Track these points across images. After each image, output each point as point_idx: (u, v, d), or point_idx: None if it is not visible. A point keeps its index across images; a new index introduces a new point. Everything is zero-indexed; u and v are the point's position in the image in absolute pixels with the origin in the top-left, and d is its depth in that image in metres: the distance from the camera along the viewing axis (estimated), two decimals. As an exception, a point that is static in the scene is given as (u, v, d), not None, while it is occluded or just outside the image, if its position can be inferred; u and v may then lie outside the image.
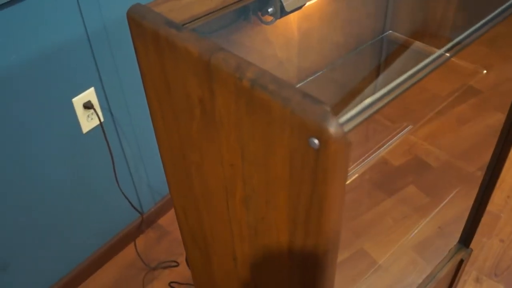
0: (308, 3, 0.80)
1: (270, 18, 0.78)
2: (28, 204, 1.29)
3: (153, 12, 0.63)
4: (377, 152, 0.84)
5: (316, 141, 0.47)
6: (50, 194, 1.33)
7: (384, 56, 1.08)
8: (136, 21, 0.64)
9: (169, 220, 1.64)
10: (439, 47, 0.58)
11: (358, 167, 0.85)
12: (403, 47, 1.07)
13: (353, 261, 1.42)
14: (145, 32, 0.63)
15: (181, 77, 0.62)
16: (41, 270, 1.42)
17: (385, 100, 0.53)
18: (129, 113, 1.43)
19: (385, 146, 0.84)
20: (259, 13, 0.76)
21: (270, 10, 0.76)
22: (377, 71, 1.10)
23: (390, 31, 1.09)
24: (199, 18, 0.67)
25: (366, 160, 0.84)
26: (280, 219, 0.60)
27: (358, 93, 1.05)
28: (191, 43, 0.57)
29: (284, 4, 0.74)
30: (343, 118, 0.50)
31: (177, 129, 0.71)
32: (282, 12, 0.76)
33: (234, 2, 0.70)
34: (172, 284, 1.48)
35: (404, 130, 0.90)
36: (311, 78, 0.96)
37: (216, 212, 0.75)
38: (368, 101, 0.52)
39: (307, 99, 0.48)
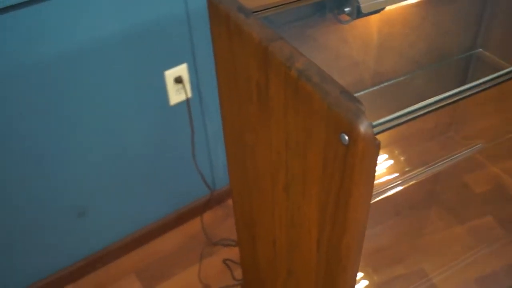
0: (388, 8, 0.80)
1: (346, 18, 0.79)
2: (111, 161, 1.40)
3: (231, -3, 0.67)
4: (439, 164, 0.83)
5: (346, 137, 0.49)
6: (132, 155, 1.44)
7: (470, 74, 1.04)
8: (214, 3, 0.68)
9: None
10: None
11: (418, 174, 0.84)
12: (492, 68, 1.02)
13: (409, 278, 1.39)
14: (219, 14, 0.68)
15: (244, 60, 0.66)
16: (113, 222, 1.53)
17: (424, 111, 0.53)
18: (215, 93, 1.50)
19: (448, 160, 0.83)
20: (336, 11, 0.77)
21: (346, 9, 0.77)
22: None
23: (480, 50, 1.05)
24: (274, 7, 0.70)
25: (426, 169, 0.83)
26: (312, 211, 0.62)
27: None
28: (255, 30, 0.61)
29: (361, 5, 0.75)
30: (378, 121, 0.51)
31: (238, 110, 0.75)
32: (359, 13, 0.76)
33: None
34: (227, 261, 1.54)
35: (472, 148, 0.87)
36: (386, 84, 0.95)
37: (263, 196, 0.78)
38: (408, 109, 0.52)
39: (344, 95, 0.49)
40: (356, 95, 0.94)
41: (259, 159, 0.73)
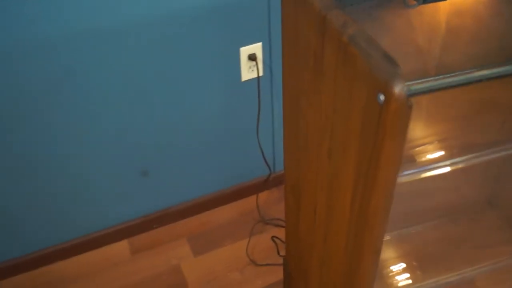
0: None
1: (413, 2, 0.84)
2: (177, 128, 1.52)
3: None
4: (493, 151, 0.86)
5: (382, 97, 0.55)
6: (198, 126, 1.54)
7: None
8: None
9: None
10: None
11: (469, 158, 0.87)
12: None
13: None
14: (288, -17, 0.75)
15: (305, 28, 0.73)
16: (173, 187, 1.66)
17: (461, 81, 0.57)
18: (285, 75, 1.58)
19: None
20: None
21: (414, -6, 0.82)
22: None
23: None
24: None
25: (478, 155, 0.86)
26: (349, 174, 0.69)
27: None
28: (316, 0, 0.68)
29: (428, -9, 0.80)
30: (415, 85, 0.56)
31: (297, 77, 0.82)
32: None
33: None
34: (274, 238, 1.62)
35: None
36: (451, 75, 0.98)
37: (309, 162, 0.85)
38: (447, 77, 0.57)
39: (385, 59, 0.55)
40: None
41: (310, 124, 0.80)
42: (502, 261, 1.07)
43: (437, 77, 0.57)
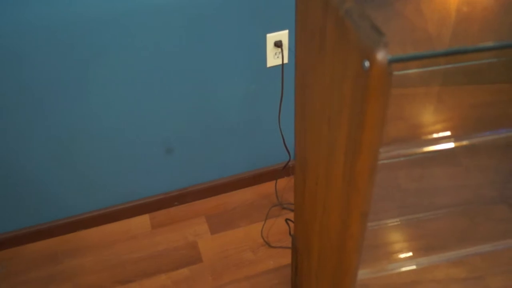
0: None
1: (421, -12, 0.90)
2: (202, 109, 1.61)
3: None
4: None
5: (367, 63, 0.63)
6: (222, 109, 1.63)
7: None
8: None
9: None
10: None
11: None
12: None
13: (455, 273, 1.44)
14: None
15: (313, 7, 0.81)
16: (195, 167, 1.75)
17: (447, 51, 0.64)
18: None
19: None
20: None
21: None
22: None
23: None
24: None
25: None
26: (342, 139, 0.76)
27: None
28: (322, -23, 0.76)
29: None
30: (398, 55, 0.63)
31: (306, 54, 0.91)
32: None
33: None
34: (288, 221, 1.70)
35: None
36: (461, 64, 1.04)
37: (314, 133, 0.93)
38: (432, 51, 0.64)
39: (372, 30, 0.63)
40: (425, 69, 1.04)
41: (315, 96, 0.88)
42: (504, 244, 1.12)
43: (426, 53, 0.64)
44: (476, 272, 1.38)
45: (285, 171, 1.84)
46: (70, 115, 1.45)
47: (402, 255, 1.30)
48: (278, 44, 1.57)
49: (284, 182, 1.85)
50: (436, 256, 1.21)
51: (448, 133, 1.08)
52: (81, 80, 1.39)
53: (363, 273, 1.07)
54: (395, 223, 1.39)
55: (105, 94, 1.44)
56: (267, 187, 1.83)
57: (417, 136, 1.10)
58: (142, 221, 1.76)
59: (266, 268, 1.60)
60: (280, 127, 1.71)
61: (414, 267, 1.22)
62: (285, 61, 1.61)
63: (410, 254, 1.31)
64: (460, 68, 1.06)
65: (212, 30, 1.44)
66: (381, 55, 0.60)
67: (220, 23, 1.43)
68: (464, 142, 1.00)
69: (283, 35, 1.56)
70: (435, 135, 1.09)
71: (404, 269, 1.21)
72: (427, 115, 1.18)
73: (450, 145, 1.01)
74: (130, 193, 1.73)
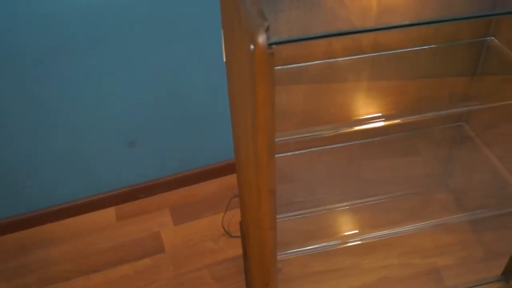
0: None
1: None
2: (166, 101, 1.67)
3: None
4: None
5: (252, 47, 0.69)
6: (186, 101, 1.69)
7: (469, 60, 1.15)
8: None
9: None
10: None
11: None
12: (499, 58, 1.13)
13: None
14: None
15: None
16: (159, 159, 1.82)
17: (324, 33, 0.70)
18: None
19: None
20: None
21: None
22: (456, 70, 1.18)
23: (492, 38, 1.15)
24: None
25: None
26: (249, 121, 0.83)
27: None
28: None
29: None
30: (279, 38, 0.69)
31: (227, 42, 0.97)
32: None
33: None
34: (245, 211, 1.77)
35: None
36: (386, 52, 1.11)
37: (239, 117, 0.99)
38: (316, 34, 0.70)
39: (258, 15, 0.69)
40: (354, 57, 1.11)
41: (235, 83, 0.94)
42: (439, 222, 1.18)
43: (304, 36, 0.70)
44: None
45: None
46: (32, 109, 1.51)
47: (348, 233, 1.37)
48: (235, 38, 1.63)
49: (247, 174, 1.90)
50: (378, 232, 1.27)
51: (379, 114, 1.14)
52: (42, 75, 1.45)
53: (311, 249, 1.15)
54: (346, 208, 1.45)
55: (67, 88, 1.50)
56: (231, 178, 1.89)
57: (350, 118, 1.17)
58: (108, 213, 1.82)
59: (225, 257, 1.66)
60: (241, 120, 1.76)
61: (359, 242, 1.28)
62: (243, 55, 1.66)
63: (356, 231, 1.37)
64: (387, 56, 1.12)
65: (171, 25, 1.49)
66: (261, 39, 0.66)
67: (178, 18, 1.49)
68: (396, 121, 1.06)
69: (240, 30, 1.61)
70: (367, 116, 1.15)
71: (349, 244, 1.27)
72: (361, 103, 1.24)
73: (381, 123, 1.08)
74: (96, 186, 1.80)
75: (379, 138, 1.32)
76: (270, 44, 0.67)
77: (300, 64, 1.10)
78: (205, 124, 1.76)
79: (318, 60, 1.11)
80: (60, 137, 1.61)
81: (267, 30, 0.67)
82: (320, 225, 1.47)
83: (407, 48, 1.14)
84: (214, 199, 1.84)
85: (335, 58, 1.11)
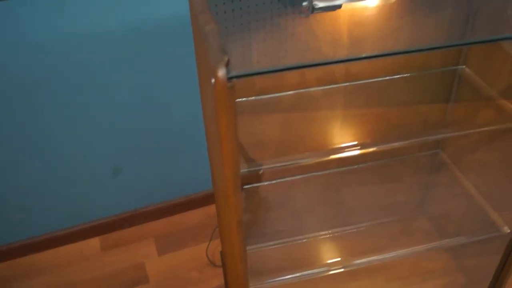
0: (360, 4, 0.98)
1: (306, 11, 0.99)
2: (151, 130, 1.68)
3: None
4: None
5: (213, 80, 0.70)
6: (169, 130, 1.70)
7: (443, 89, 1.17)
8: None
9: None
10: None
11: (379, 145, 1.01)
12: (471, 87, 1.15)
13: None
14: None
15: (196, 31, 0.89)
16: (145, 188, 1.82)
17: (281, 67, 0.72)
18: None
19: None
20: (300, 3, 0.98)
21: (304, 3, 0.98)
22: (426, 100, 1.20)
23: (464, 66, 1.18)
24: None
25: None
26: (217, 154, 0.84)
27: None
28: (194, 2, 0.84)
29: (313, 1, 0.95)
30: (239, 71, 0.71)
31: (200, 74, 0.98)
32: (314, 8, 0.96)
33: None
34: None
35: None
36: (356, 82, 1.13)
37: (212, 147, 1.01)
38: (275, 67, 0.72)
39: (219, 50, 0.71)
40: (327, 87, 1.13)
41: (206, 114, 0.96)
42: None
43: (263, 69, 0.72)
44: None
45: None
46: (14, 138, 1.52)
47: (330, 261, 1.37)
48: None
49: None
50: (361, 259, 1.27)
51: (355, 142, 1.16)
52: (28, 103, 1.46)
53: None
54: (327, 236, 1.45)
55: (53, 117, 1.51)
56: (215, 208, 1.89)
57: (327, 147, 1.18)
58: (92, 243, 1.82)
59: (210, 287, 1.66)
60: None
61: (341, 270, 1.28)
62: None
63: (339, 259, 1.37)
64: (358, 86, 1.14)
65: (153, 57, 1.51)
66: (221, 72, 0.68)
67: (159, 49, 1.51)
68: (371, 149, 1.07)
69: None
70: (344, 144, 1.16)
71: (332, 272, 1.27)
72: (337, 132, 1.26)
73: (357, 152, 1.09)
74: (81, 216, 1.79)
75: (356, 166, 1.33)
76: (229, 78, 0.68)
77: (273, 95, 1.12)
78: (189, 154, 1.77)
79: (291, 91, 1.13)
80: (43, 166, 1.61)
81: (227, 64, 0.69)
82: (302, 254, 1.47)
83: (380, 78, 1.16)
84: (199, 229, 1.84)
85: (308, 88, 1.13)
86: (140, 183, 1.79)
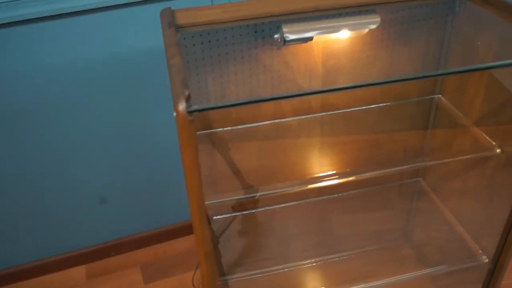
0: (331, 36, 1.00)
1: (278, 43, 1.01)
2: (136, 160, 1.69)
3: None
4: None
5: (174, 114, 0.71)
6: (157, 160, 1.71)
7: (415, 117, 1.17)
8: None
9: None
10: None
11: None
12: (447, 115, 1.15)
13: None
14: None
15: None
16: (131, 217, 1.82)
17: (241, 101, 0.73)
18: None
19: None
20: (273, 36, 1.00)
21: (276, 36, 0.99)
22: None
23: (439, 96, 1.19)
24: (208, 24, 0.94)
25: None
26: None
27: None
28: (166, 39, 0.86)
29: (284, 34, 0.97)
30: (198, 106, 0.71)
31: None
32: (285, 40, 0.98)
33: (255, 18, 0.93)
34: (213, 268, 1.76)
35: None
36: (334, 112, 1.14)
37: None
38: (235, 101, 0.73)
39: (181, 85, 0.72)
40: (304, 117, 1.14)
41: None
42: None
43: (221, 104, 0.73)
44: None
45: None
46: (3, 168, 1.52)
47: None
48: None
49: (219, 230, 1.90)
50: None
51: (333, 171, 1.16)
52: (9, 134, 1.47)
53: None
54: (311, 265, 1.45)
55: (38, 149, 1.52)
56: (203, 235, 1.89)
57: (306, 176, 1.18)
58: (78, 272, 1.81)
59: (195, 315, 1.64)
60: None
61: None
62: (212, 112, 1.69)
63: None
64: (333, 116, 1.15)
65: (136, 89, 1.53)
66: (181, 106, 0.69)
67: (145, 80, 1.52)
68: (351, 178, 1.07)
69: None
70: (321, 174, 1.17)
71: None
72: (316, 161, 1.26)
73: (335, 181, 1.10)
74: (67, 244, 1.79)
75: (339, 195, 1.33)
76: (190, 112, 0.69)
77: (250, 125, 1.13)
78: (174, 182, 1.78)
79: (268, 121, 1.14)
80: (29, 194, 1.62)
81: (188, 98, 0.70)
82: (286, 282, 1.46)
83: (358, 107, 1.17)
84: (185, 257, 1.83)
85: (286, 118, 1.14)
86: (126, 211, 1.79)
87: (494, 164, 1.05)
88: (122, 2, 1.30)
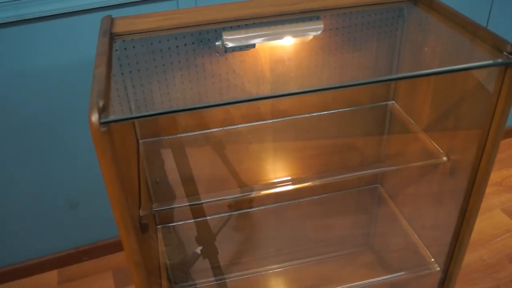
0: (275, 43, 1.00)
1: (220, 51, 1.00)
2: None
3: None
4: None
5: (89, 125, 0.71)
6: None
7: (368, 123, 1.17)
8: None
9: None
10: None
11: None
12: (400, 122, 1.15)
13: None
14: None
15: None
16: (102, 221, 1.82)
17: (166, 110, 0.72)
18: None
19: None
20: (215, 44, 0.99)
21: (217, 43, 0.99)
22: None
23: (393, 102, 1.18)
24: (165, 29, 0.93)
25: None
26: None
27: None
28: (98, 48, 0.85)
29: (224, 41, 0.96)
30: (114, 116, 0.71)
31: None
32: (226, 48, 0.98)
33: (196, 25, 0.93)
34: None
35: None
36: (281, 119, 1.13)
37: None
38: (152, 111, 0.72)
39: (97, 95, 0.72)
40: (252, 124, 1.13)
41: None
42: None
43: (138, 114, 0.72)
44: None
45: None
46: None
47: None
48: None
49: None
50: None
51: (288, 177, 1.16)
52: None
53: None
54: (269, 272, 1.44)
55: (10, 155, 1.52)
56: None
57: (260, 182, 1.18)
58: (50, 276, 1.81)
59: (163, 321, 1.64)
60: (182, 180, 1.78)
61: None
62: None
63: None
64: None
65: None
66: (94, 118, 0.68)
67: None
68: (305, 184, 1.07)
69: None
70: (275, 180, 1.16)
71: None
72: (270, 167, 1.26)
73: (290, 187, 1.09)
74: (38, 249, 1.79)
75: (296, 201, 1.33)
76: (103, 123, 0.69)
77: (198, 132, 1.12)
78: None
79: (218, 128, 1.14)
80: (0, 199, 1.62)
81: (102, 109, 0.70)
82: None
83: (310, 114, 1.16)
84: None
85: (235, 125, 1.13)
86: (98, 216, 1.79)
87: (442, 171, 1.04)
88: (122, 2, 1.29)
